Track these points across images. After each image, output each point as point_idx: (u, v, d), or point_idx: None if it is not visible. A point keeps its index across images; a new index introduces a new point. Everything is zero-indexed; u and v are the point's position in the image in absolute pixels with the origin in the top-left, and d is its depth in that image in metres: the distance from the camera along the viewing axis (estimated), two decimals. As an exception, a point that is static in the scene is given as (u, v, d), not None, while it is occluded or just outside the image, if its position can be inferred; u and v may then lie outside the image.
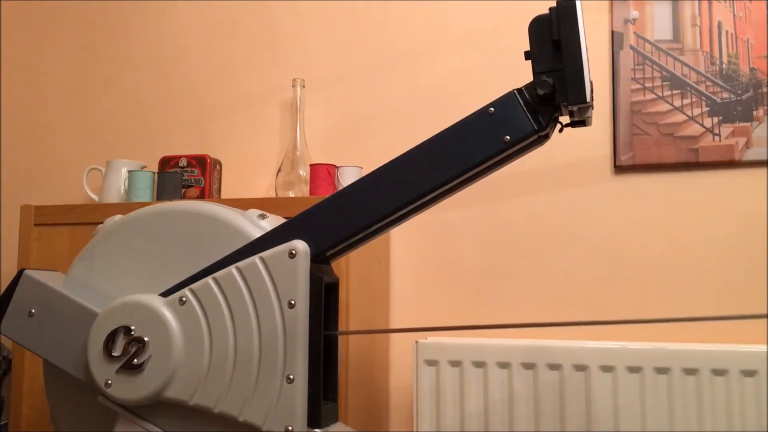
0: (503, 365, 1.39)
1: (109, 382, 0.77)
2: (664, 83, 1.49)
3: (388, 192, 0.78)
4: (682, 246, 1.47)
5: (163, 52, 1.87)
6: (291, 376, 0.72)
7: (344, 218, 0.78)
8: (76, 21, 1.95)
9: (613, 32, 1.53)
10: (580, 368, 1.35)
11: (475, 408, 1.39)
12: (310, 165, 1.56)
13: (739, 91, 1.46)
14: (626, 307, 1.48)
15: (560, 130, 0.81)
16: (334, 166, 1.56)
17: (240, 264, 0.75)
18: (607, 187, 1.52)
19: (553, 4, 0.73)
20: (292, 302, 0.73)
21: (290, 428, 0.72)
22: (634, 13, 1.52)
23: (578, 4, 0.73)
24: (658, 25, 1.51)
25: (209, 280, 0.76)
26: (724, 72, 1.47)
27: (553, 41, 0.74)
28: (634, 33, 1.52)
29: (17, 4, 2.01)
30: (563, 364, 1.35)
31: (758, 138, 1.44)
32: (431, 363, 1.42)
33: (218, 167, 1.69)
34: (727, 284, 1.43)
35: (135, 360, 0.76)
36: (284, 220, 0.81)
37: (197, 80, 1.83)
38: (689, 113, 1.48)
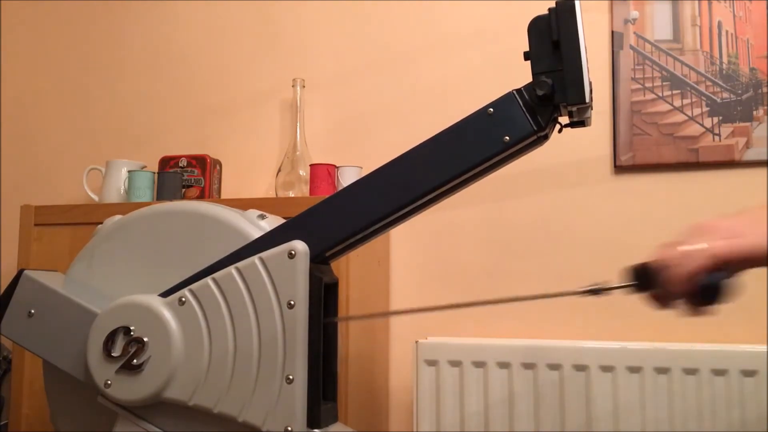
0: (503, 365, 1.39)
1: (109, 382, 0.77)
2: (664, 83, 1.49)
3: (387, 192, 0.78)
4: (682, 246, 1.46)
5: (163, 52, 1.87)
6: (290, 377, 0.72)
7: (344, 218, 0.78)
8: (76, 21, 1.95)
9: (613, 32, 1.53)
10: (580, 368, 1.35)
11: (475, 408, 1.39)
12: (310, 165, 1.56)
13: (739, 91, 1.46)
14: (626, 307, 1.48)
15: (559, 131, 0.81)
16: (334, 166, 1.56)
17: (239, 264, 0.75)
18: (607, 187, 1.52)
19: (553, 4, 0.73)
20: (292, 303, 0.73)
21: (290, 428, 0.72)
22: (634, 13, 1.52)
23: (577, 4, 0.73)
24: (658, 25, 1.51)
25: (209, 280, 0.76)
26: (724, 72, 1.47)
27: (553, 41, 0.73)
28: (634, 33, 1.52)
29: (17, 4, 2.01)
30: (563, 364, 1.35)
31: (758, 138, 1.44)
32: (431, 363, 1.42)
33: (218, 167, 1.69)
34: (727, 284, 1.43)
35: (134, 360, 0.76)
36: (284, 221, 0.81)
37: (197, 80, 1.83)
38: (689, 113, 1.48)
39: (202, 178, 1.63)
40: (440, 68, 1.65)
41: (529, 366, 1.37)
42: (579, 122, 0.79)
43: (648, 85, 1.50)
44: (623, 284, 0.73)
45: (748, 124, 1.45)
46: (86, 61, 1.93)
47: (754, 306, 1.41)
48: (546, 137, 0.78)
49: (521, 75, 0.79)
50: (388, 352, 1.61)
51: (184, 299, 0.76)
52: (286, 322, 0.73)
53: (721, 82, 1.47)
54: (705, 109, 1.47)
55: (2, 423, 1.55)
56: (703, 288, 0.68)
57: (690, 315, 0.69)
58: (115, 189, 1.62)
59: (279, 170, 1.60)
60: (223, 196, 1.72)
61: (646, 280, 0.73)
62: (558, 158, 1.54)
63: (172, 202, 0.86)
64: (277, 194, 1.59)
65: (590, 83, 0.74)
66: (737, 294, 0.67)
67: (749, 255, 0.66)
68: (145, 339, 0.76)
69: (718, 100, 1.47)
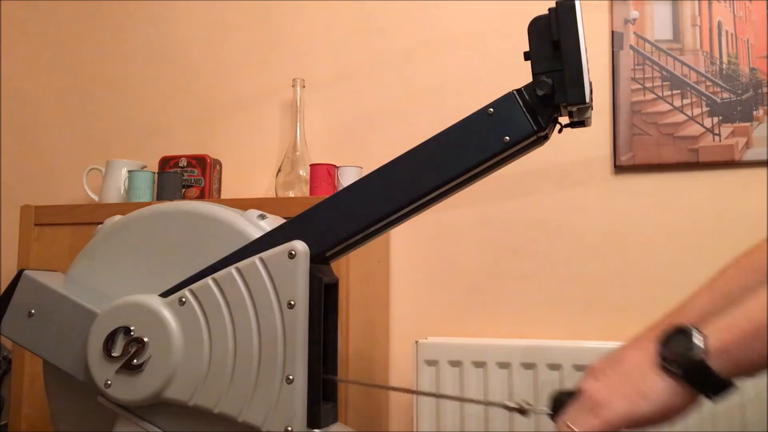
0: (503, 365, 1.39)
1: (109, 382, 0.77)
2: (664, 83, 1.49)
3: (388, 192, 0.78)
4: (682, 246, 1.47)
5: (163, 52, 1.87)
6: (290, 377, 0.72)
7: (344, 218, 0.78)
8: (76, 21, 1.95)
9: (613, 32, 1.53)
10: (580, 368, 1.35)
11: (475, 408, 1.39)
12: (310, 165, 1.56)
13: (739, 91, 1.46)
14: (626, 307, 1.48)
15: (560, 131, 0.81)
16: (334, 166, 1.56)
17: (239, 264, 0.75)
18: (607, 187, 1.52)
19: (553, 4, 0.73)
20: (292, 303, 0.73)
21: (290, 428, 0.72)
22: (634, 13, 1.52)
23: (577, 4, 0.73)
24: (658, 25, 1.51)
25: (209, 280, 0.76)
26: (724, 72, 1.47)
27: (553, 42, 0.73)
28: (634, 33, 1.52)
29: (17, 4, 2.01)
30: (563, 364, 1.35)
31: (758, 138, 1.44)
32: (431, 363, 1.42)
33: (218, 167, 1.69)
34: (727, 284, 1.43)
35: (135, 360, 0.76)
36: (284, 221, 0.81)
37: (197, 80, 1.83)
38: (689, 113, 1.48)
39: (202, 178, 1.63)
40: (440, 68, 1.65)
41: (529, 366, 1.37)
42: (579, 122, 0.79)
43: (648, 85, 1.50)
44: (546, 411, 0.75)
45: (748, 124, 1.45)
46: (86, 61, 1.93)
47: (754, 306, 1.41)
48: (546, 137, 0.78)
49: (521, 75, 0.79)
50: (388, 352, 1.61)
51: (184, 299, 0.76)
52: (286, 322, 0.73)
53: (721, 82, 1.47)
54: (705, 109, 1.47)
55: (2, 423, 1.55)
56: None
57: None
58: (115, 189, 1.62)
59: (279, 170, 1.60)
60: (223, 196, 1.72)
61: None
62: (558, 158, 1.54)
63: (172, 202, 0.86)
64: (277, 194, 1.59)
65: (590, 83, 0.74)
66: None
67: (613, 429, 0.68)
68: (146, 339, 0.76)
69: (718, 100, 1.47)
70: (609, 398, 0.69)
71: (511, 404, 0.77)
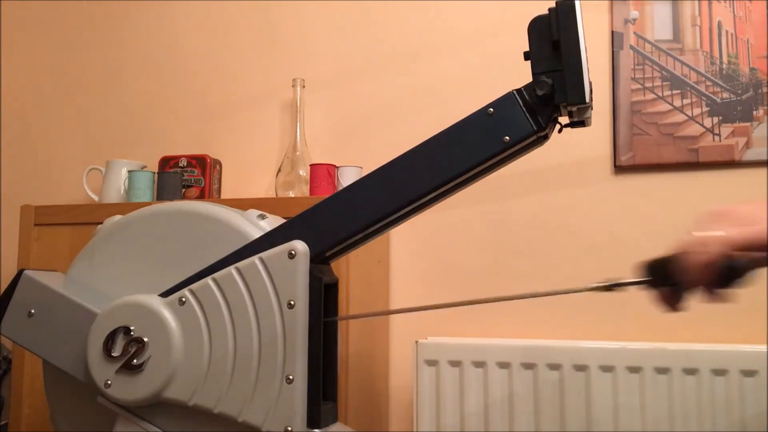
0: (503, 365, 1.39)
1: (109, 382, 0.77)
2: (664, 83, 1.49)
3: (388, 192, 0.78)
4: (682, 246, 1.47)
5: (164, 52, 1.87)
6: (290, 377, 0.72)
7: (344, 218, 0.78)
8: (77, 21, 1.95)
9: (613, 32, 1.53)
10: (580, 368, 1.35)
11: (475, 408, 1.39)
12: (310, 165, 1.56)
13: (739, 91, 1.46)
14: (626, 307, 1.48)
15: (559, 131, 0.81)
16: (334, 166, 1.56)
17: (239, 264, 0.75)
18: (607, 187, 1.52)
19: (553, 4, 0.73)
20: (292, 303, 0.73)
21: (290, 429, 0.72)
22: (634, 13, 1.52)
23: (577, 4, 0.73)
24: (658, 25, 1.51)
25: (209, 280, 0.76)
26: (724, 72, 1.47)
27: (553, 42, 0.74)
28: (634, 33, 1.52)
29: (17, 4, 2.01)
30: (563, 364, 1.35)
31: (758, 138, 1.44)
32: (431, 363, 1.42)
33: (218, 167, 1.69)
34: (727, 284, 1.43)
35: (134, 360, 0.76)
36: (284, 221, 0.81)
37: (197, 80, 1.83)
38: (689, 113, 1.48)
39: (202, 178, 1.63)
40: (440, 68, 1.65)
41: (529, 366, 1.37)
42: (579, 122, 0.79)
43: (648, 85, 1.50)
44: (638, 280, 0.73)
45: (748, 124, 1.45)
46: (86, 61, 1.93)
47: (754, 306, 1.41)
48: (546, 137, 0.78)
49: (521, 75, 0.79)
50: (388, 352, 1.61)
51: (184, 299, 0.76)
52: (286, 322, 0.73)
53: (721, 82, 1.47)
54: (705, 109, 1.47)
55: (2, 423, 1.55)
56: (724, 272, 0.67)
57: (709, 302, 0.68)
58: (115, 189, 1.62)
59: (279, 170, 1.60)
60: (223, 196, 1.72)
61: (661, 275, 0.72)
62: (558, 158, 1.54)
63: (172, 202, 0.86)
64: (277, 194, 1.59)
65: (590, 83, 0.74)
66: (754, 280, 0.66)
67: (763, 242, 0.65)
68: (145, 339, 0.76)
69: (718, 100, 1.47)
70: (759, 218, 0.66)
71: (596, 285, 0.72)
